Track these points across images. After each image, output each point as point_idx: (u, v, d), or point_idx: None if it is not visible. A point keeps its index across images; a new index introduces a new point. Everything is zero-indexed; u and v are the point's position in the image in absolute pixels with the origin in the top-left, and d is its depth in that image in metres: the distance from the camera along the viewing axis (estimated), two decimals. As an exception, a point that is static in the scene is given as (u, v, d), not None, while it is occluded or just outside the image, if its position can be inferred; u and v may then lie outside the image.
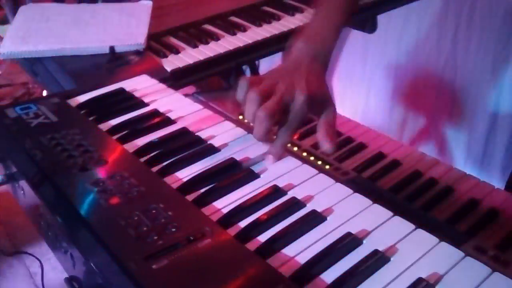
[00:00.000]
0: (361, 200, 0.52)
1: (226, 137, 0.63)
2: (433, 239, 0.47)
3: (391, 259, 0.45)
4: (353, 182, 0.63)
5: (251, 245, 0.47)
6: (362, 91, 1.93)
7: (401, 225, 0.49)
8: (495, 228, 0.57)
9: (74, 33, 1.01)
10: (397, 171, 0.66)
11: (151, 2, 1.16)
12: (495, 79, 1.49)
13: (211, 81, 1.24)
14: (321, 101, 0.59)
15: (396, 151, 0.70)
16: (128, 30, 1.02)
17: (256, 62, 1.49)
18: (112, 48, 0.94)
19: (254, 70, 1.45)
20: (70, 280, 0.51)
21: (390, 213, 0.50)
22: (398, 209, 0.51)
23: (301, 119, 0.58)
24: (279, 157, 0.58)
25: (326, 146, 0.58)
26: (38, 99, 0.73)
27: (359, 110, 1.93)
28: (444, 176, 0.65)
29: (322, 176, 0.56)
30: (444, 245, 0.46)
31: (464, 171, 0.66)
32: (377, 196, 0.54)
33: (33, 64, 0.98)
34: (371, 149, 0.71)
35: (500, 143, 1.53)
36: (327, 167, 0.67)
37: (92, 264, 0.45)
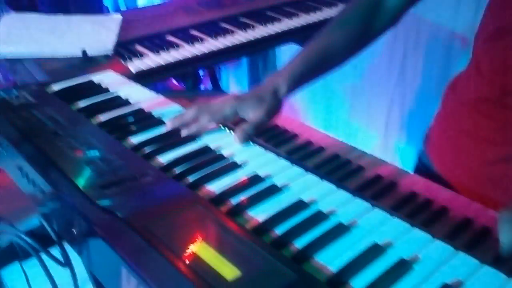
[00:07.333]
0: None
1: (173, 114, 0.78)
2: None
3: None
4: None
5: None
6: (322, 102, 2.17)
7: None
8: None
9: (52, 39, 1.17)
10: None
11: (120, 16, 1.33)
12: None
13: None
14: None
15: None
16: (99, 37, 1.18)
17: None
18: (84, 52, 1.10)
19: (213, 75, 1.62)
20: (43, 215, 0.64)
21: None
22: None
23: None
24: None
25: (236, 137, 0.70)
26: (20, 86, 0.87)
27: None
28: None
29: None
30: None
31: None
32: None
33: (14, 64, 1.13)
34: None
35: None
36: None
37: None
